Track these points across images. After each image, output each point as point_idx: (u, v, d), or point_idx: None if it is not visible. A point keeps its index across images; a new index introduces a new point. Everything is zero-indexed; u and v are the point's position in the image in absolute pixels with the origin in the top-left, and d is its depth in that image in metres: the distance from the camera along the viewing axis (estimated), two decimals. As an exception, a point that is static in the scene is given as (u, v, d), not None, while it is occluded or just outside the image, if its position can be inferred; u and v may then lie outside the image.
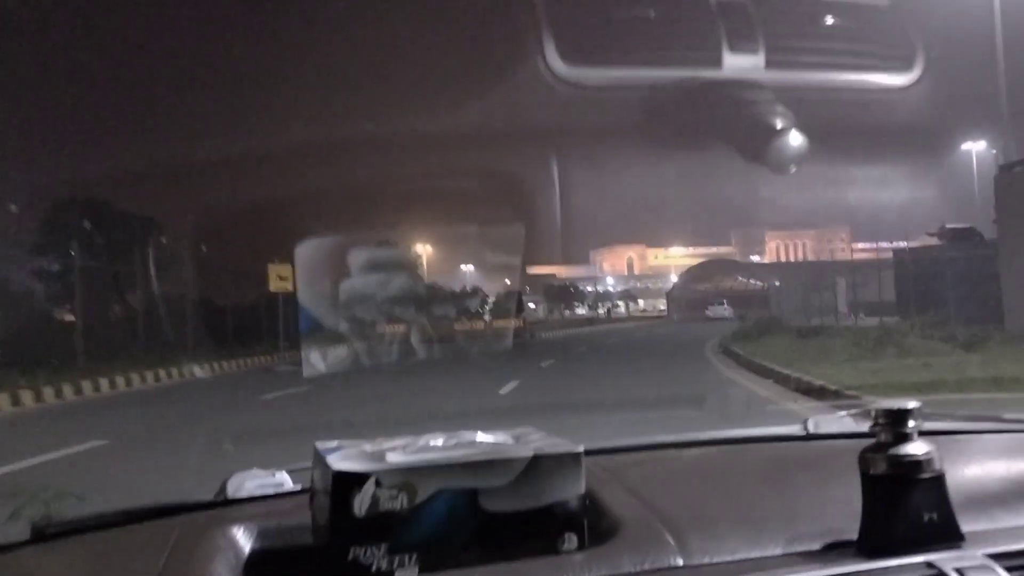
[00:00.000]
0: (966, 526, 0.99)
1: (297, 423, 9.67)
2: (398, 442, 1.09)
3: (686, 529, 1.06)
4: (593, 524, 1.06)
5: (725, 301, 66.33)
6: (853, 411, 1.66)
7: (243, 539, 1.09)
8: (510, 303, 79.88)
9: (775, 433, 1.73)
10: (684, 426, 2.49)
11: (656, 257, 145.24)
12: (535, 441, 1.09)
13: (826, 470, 1.31)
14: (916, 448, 0.98)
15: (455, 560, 0.98)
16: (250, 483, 1.38)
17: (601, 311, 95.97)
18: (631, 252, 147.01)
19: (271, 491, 1.35)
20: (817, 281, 47.78)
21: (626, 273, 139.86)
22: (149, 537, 1.14)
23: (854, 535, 1.01)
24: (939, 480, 0.99)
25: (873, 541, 0.99)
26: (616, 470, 1.29)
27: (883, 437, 0.99)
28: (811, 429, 1.64)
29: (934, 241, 27.08)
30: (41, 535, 1.20)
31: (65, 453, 8.42)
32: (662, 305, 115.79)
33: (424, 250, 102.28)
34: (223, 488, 1.37)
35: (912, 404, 0.99)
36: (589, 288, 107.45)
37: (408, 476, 0.98)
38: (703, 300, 73.31)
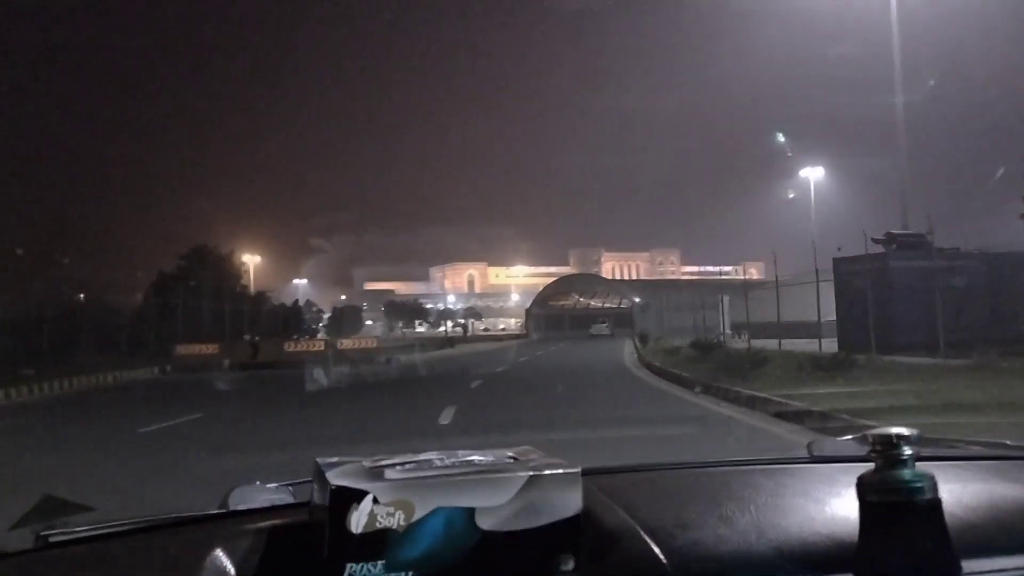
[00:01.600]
0: (963, 556, 0.97)
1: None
2: (397, 459, 1.07)
3: (681, 551, 1.03)
4: (589, 544, 1.03)
5: (606, 320, 60.71)
6: (856, 436, 1.57)
7: (244, 553, 1.06)
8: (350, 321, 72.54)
9: (777, 456, 1.69)
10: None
11: (497, 275, 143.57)
12: (533, 460, 1.06)
13: (826, 495, 1.24)
14: (912, 475, 0.95)
15: None
16: (252, 496, 1.34)
17: (455, 329, 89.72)
18: (472, 269, 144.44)
19: (272, 505, 1.29)
20: (690, 300, 44.26)
21: (467, 291, 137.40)
22: (152, 549, 1.14)
23: (846, 561, 0.98)
24: (936, 508, 0.96)
25: (869, 569, 0.97)
26: (613, 491, 1.24)
27: (880, 463, 0.96)
28: (813, 452, 1.63)
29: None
30: (45, 544, 1.16)
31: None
32: (506, 323, 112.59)
33: (251, 261, 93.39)
34: (225, 501, 1.32)
35: (909, 430, 0.96)
36: (430, 305, 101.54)
37: (406, 493, 0.96)
38: (565, 317, 67.97)
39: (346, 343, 29.19)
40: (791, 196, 47.57)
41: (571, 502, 1.00)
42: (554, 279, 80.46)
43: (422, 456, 1.08)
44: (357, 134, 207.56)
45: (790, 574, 1.00)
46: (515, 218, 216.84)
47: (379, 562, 0.94)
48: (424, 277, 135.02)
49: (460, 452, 1.10)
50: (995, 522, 1.13)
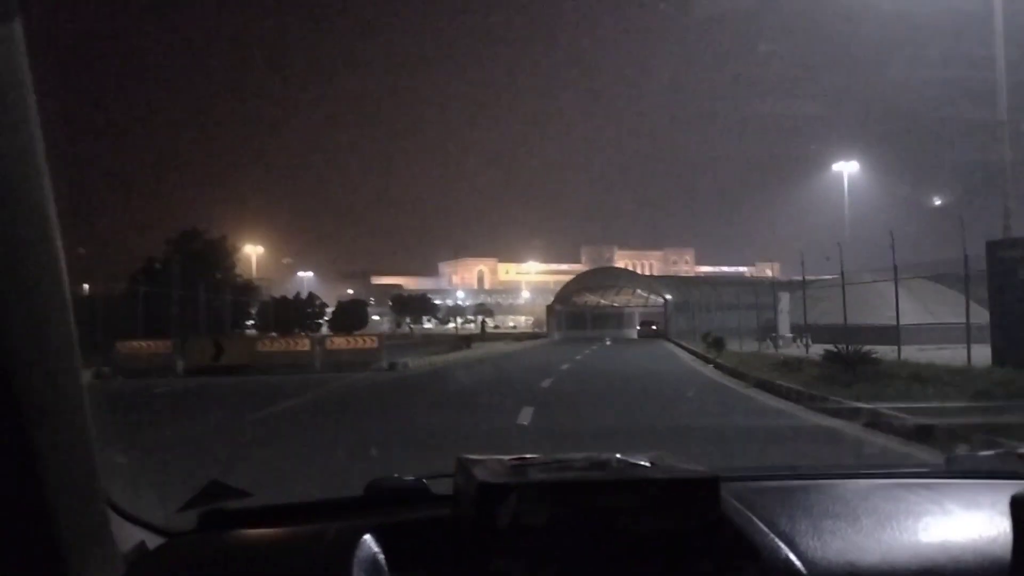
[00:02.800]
0: None
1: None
2: (539, 459, 1.07)
3: (821, 563, 0.99)
4: (726, 550, 1.01)
5: (655, 324, 53.21)
6: (997, 451, 1.54)
7: (391, 541, 1.08)
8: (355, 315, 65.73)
9: (914, 469, 1.61)
10: None
11: (508, 272, 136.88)
12: (671, 465, 1.06)
13: (971, 512, 1.17)
14: None
15: (592, 575, 0.96)
16: (391, 488, 1.33)
17: (466, 326, 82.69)
18: (482, 265, 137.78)
19: (412, 497, 1.30)
20: (734, 298, 37.58)
21: (476, 287, 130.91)
22: (307, 534, 1.15)
23: None
24: None
25: None
26: (745, 497, 1.19)
27: None
28: (951, 467, 1.55)
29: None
30: (207, 525, 1.21)
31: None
32: (516, 320, 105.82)
33: (254, 251, 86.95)
34: (368, 490, 1.33)
35: None
36: (439, 301, 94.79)
37: (550, 492, 0.96)
38: (587, 315, 60.71)
39: (337, 341, 22.39)
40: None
41: (708, 507, 0.99)
42: (578, 273, 72.25)
43: (564, 457, 1.07)
44: (371, 130, 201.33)
45: None
46: (527, 214, 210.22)
47: (523, 557, 0.93)
48: (433, 272, 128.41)
49: (602, 454, 1.08)
50: None
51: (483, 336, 47.30)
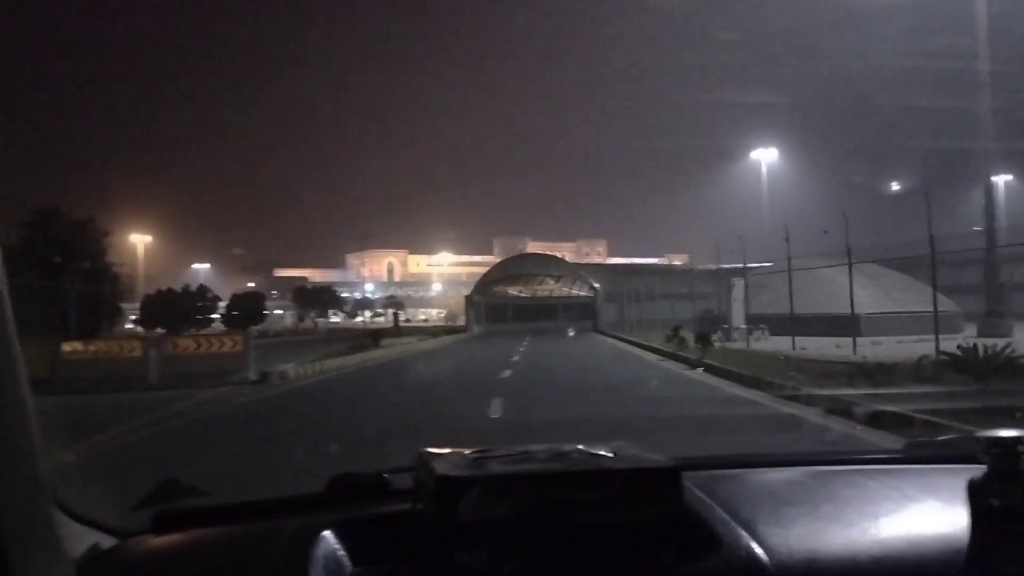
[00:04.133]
0: None
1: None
2: (501, 451, 1.04)
3: (783, 550, 0.97)
4: (689, 539, 0.99)
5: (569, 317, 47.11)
6: (955, 436, 1.54)
7: (351, 537, 1.05)
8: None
9: (872, 455, 1.58)
10: None
11: (419, 264, 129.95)
12: (633, 455, 1.03)
13: (929, 497, 1.18)
14: None
15: (553, 569, 0.93)
16: (352, 483, 1.29)
17: (375, 320, 75.31)
18: (392, 257, 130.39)
19: (372, 493, 1.26)
20: (676, 288, 32.65)
21: (386, 279, 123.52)
22: (263, 533, 1.12)
23: (956, 566, 0.93)
24: None
25: (981, 574, 0.92)
26: (707, 486, 1.18)
27: (1000, 466, 0.92)
28: (910, 452, 1.56)
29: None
30: (162, 525, 1.16)
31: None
32: (427, 313, 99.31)
33: (141, 241, 77.77)
34: (329, 486, 1.28)
35: (1021, 432, 0.92)
36: (346, 293, 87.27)
37: (511, 484, 0.93)
38: (509, 307, 54.41)
39: (184, 344, 15.69)
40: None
41: (670, 497, 0.97)
42: (491, 264, 65.52)
43: (524, 448, 1.04)
44: (278, 118, 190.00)
45: (898, 575, 0.94)
46: (438, 206, 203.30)
47: (484, 549, 0.90)
48: (341, 264, 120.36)
49: (563, 445, 1.06)
50: None
51: (397, 331, 40.81)
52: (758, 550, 0.96)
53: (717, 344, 22.24)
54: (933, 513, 1.10)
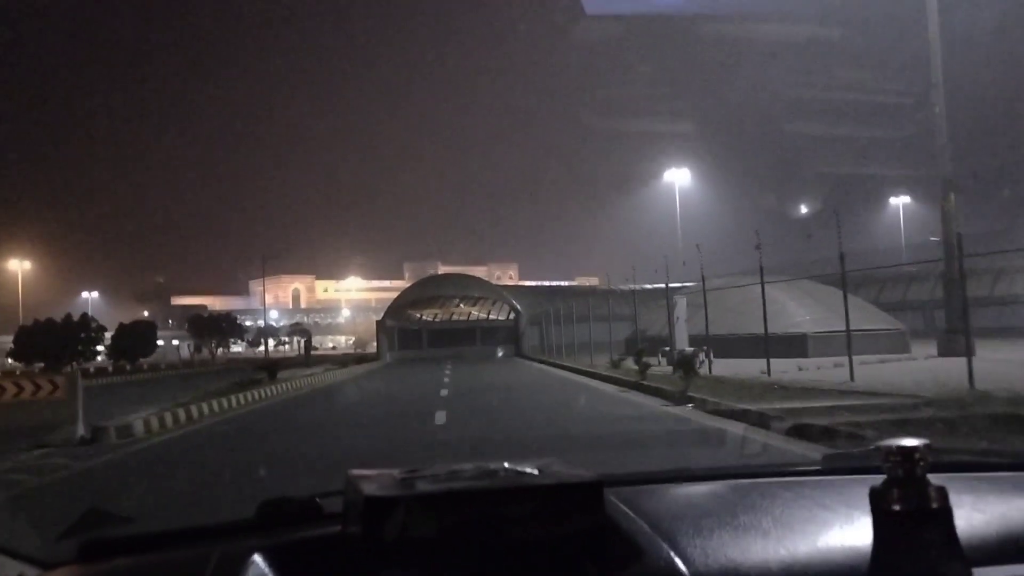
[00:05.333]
0: (974, 564, 0.95)
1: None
2: (427, 471, 1.04)
3: (701, 562, 0.99)
4: (612, 554, 1.00)
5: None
6: (868, 448, 1.49)
7: (280, 563, 1.04)
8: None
9: (790, 468, 1.62)
10: None
11: (327, 289, 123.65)
12: (556, 472, 1.03)
13: (841, 505, 1.21)
14: (926, 484, 0.93)
15: None
16: (282, 507, 1.26)
17: (279, 348, 69.48)
18: (298, 283, 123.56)
19: (304, 516, 1.24)
20: (609, 310, 29.39)
21: (291, 306, 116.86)
22: (190, 560, 1.09)
23: (861, 570, 0.95)
24: (947, 517, 0.93)
25: None
26: (632, 501, 1.18)
27: (897, 473, 0.94)
28: (825, 465, 1.59)
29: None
30: (88, 555, 1.13)
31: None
32: (336, 341, 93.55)
33: (20, 267, 69.97)
34: (259, 511, 1.24)
35: (919, 441, 0.95)
36: (249, 322, 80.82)
37: (437, 503, 0.93)
38: (423, 332, 49.70)
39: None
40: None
41: (593, 511, 0.97)
42: (402, 289, 60.07)
43: (452, 467, 1.04)
44: (174, 140, 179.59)
45: None
46: (346, 231, 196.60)
47: (412, 569, 0.90)
48: (244, 291, 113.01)
49: (490, 464, 1.05)
50: (1006, 531, 1.09)
51: (307, 360, 35.99)
52: (677, 561, 0.98)
53: (655, 370, 19.26)
54: (842, 521, 1.12)
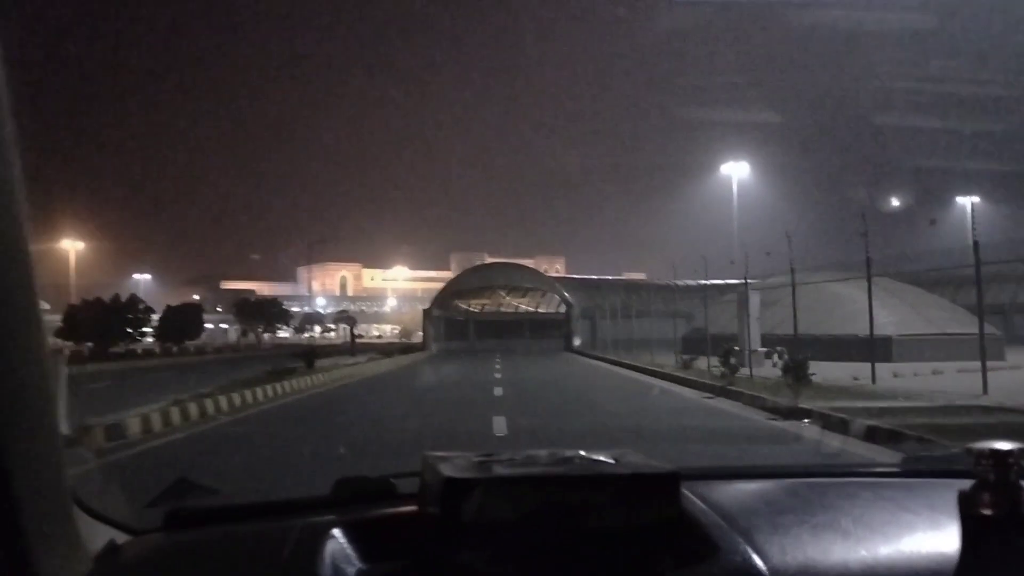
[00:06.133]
0: None
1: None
2: (504, 455, 1.03)
3: (779, 559, 0.97)
4: (687, 546, 0.99)
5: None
6: (951, 451, 1.57)
7: (357, 540, 1.05)
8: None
9: (868, 469, 1.62)
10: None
11: (373, 278, 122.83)
12: (633, 462, 1.03)
13: (923, 508, 1.17)
14: (1019, 489, 0.90)
15: (553, 572, 0.93)
16: (359, 486, 1.27)
17: (326, 335, 68.26)
18: (345, 271, 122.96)
19: (378, 495, 1.25)
20: (666, 305, 27.06)
21: (339, 293, 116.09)
22: (271, 533, 1.11)
23: (947, 574, 0.92)
24: None
25: None
26: (709, 495, 1.16)
27: (988, 477, 0.91)
28: (905, 467, 1.55)
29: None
30: (173, 523, 1.16)
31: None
32: (381, 329, 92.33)
33: (73, 248, 69.92)
34: (336, 489, 1.26)
35: (1013, 444, 0.92)
36: (296, 308, 79.81)
37: (514, 487, 0.93)
38: (470, 323, 47.64)
39: None
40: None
41: (669, 503, 0.97)
42: (464, 270, 57.09)
43: (528, 453, 1.04)
44: (230, 129, 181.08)
45: None
46: (394, 220, 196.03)
47: (487, 550, 0.91)
48: (292, 278, 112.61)
49: (565, 451, 1.05)
50: None
51: (353, 348, 34.20)
52: (754, 556, 0.96)
53: (703, 368, 16.92)
54: (926, 524, 1.09)
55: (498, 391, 14.16)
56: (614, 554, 0.93)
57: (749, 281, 26.67)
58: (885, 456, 6.43)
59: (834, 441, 7.36)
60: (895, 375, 15.26)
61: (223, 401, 11.32)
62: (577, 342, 39.07)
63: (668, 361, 21.76)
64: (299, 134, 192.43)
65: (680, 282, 39.57)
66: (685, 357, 19.42)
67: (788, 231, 20.26)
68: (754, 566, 0.94)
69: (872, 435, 7.54)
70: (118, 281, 73.17)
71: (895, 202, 41.33)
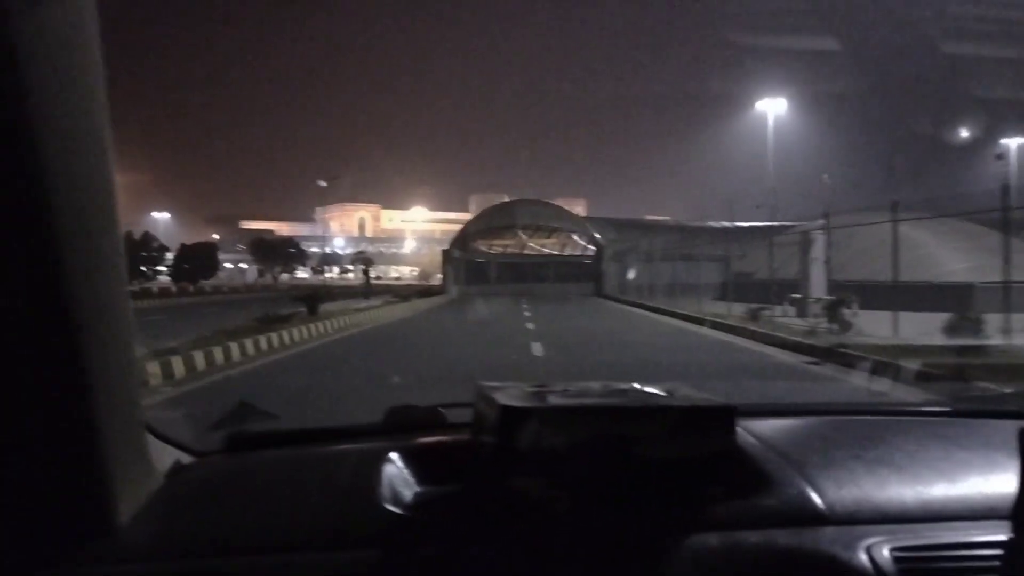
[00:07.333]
0: None
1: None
2: (557, 386, 1.02)
3: (833, 492, 0.97)
4: (740, 479, 0.98)
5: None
6: (1002, 392, 1.87)
7: (412, 467, 1.06)
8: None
9: (921, 408, 1.56)
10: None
11: (391, 219, 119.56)
12: (686, 395, 1.01)
13: (978, 445, 1.16)
14: None
15: (607, 500, 0.93)
16: (409, 415, 1.29)
17: (343, 276, 65.80)
18: (364, 211, 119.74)
19: (429, 424, 1.27)
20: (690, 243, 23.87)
21: (357, 234, 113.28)
22: (331, 455, 1.14)
23: (1002, 511, 0.93)
24: None
25: None
26: (763, 431, 1.16)
27: None
28: (958, 406, 1.52)
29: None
30: (235, 445, 1.20)
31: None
32: (399, 271, 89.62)
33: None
34: (388, 417, 1.28)
35: None
36: (315, 248, 77.09)
37: (569, 417, 0.92)
38: (491, 265, 44.36)
39: None
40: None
41: (724, 436, 0.96)
42: (487, 208, 51.60)
43: (582, 385, 1.03)
44: (249, 66, 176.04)
45: (945, 519, 0.94)
46: (413, 159, 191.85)
47: (541, 478, 0.91)
48: (310, 218, 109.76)
49: (619, 383, 1.04)
50: None
51: (367, 290, 31.38)
52: (809, 490, 0.96)
53: (778, 319, 13.87)
54: (981, 462, 1.07)
55: (537, 349, 11.15)
56: (666, 484, 0.92)
57: (808, 223, 23.51)
58: None
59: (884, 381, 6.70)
60: (1004, 331, 11.98)
61: (180, 365, 8.36)
62: (607, 287, 35.95)
63: (714, 309, 18.86)
64: (321, 74, 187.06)
65: (717, 223, 36.31)
66: (753, 306, 16.32)
67: (834, 170, 16.93)
68: (809, 499, 0.94)
69: None
70: (136, 219, 70.96)
71: (962, 133, 37.17)
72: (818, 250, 19.69)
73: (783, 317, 17.22)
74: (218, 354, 9.50)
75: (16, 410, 0.81)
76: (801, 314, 18.24)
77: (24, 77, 0.72)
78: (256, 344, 10.87)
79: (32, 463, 0.84)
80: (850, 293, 17.81)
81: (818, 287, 19.26)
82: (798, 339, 11.39)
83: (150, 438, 1.03)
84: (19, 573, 0.83)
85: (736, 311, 17.29)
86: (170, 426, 1.14)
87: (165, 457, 1.08)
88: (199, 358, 8.87)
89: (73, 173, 0.78)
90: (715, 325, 15.40)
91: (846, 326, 12.05)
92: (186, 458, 1.13)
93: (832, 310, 12.85)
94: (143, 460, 0.99)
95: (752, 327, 13.63)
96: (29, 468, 0.84)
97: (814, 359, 10.02)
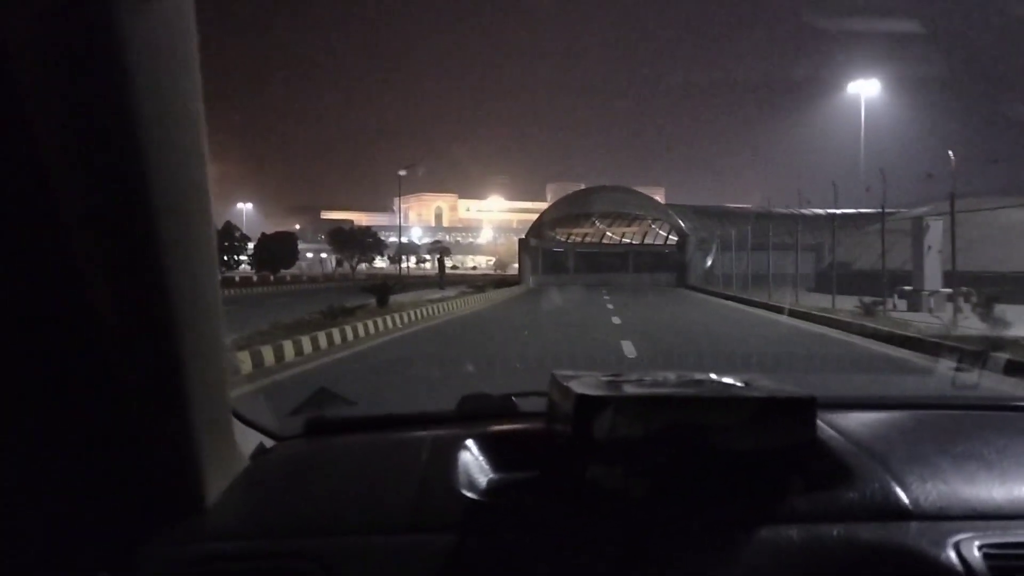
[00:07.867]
0: None
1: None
2: (633, 376, 1.00)
3: (919, 488, 0.94)
4: (820, 472, 0.96)
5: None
6: None
7: (487, 454, 1.06)
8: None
9: (1009, 402, 1.48)
10: None
11: (468, 209, 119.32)
12: (765, 386, 0.98)
13: None
14: None
15: (683, 490, 0.91)
16: (483, 403, 1.30)
17: (420, 265, 65.62)
18: (441, 201, 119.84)
19: (502, 412, 1.26)
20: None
21: (434, 224, 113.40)
22: (407, 441, 1.15)
23: None
24: None
25: None
26: (844, 424, 1.13)
27: None
28: None
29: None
30: (313, 430, 1.22)
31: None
32: (476, 261, 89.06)
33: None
34: (461, 404, 1.29)
35: None
36: (392, 238, 77.16)
37: (646, 406, 0.91)
38: (568, 255, 42.59)
39: None
40: None
41: (804, 428, 0.93)
42: (565, 196, 48.31)
43: (658, 374, 1.01)
44: (329, 60, 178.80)
45: None
46: (490, 150, 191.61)
47: (618, 467, 0.90)
48: (389, 208, 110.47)
49: (696, 373, 1.01)
50: None
51: (441, 279, 30.47)
52: (893, 484, 0.93)
53: (894, 314, 11.87)
54: None
55: (628, 349, 9.62)
56: (744, 476, 0.90)
57: (915, 211, 21.14)
58: None
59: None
60: None
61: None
62: (691, 277, 33.96)
63: (813, 302, 17.18)
64: (402, 65, 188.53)
65: (809, 211, 33.76)
66: (865, 299, 14.37)
67: (926, 157, 14.75)
68: (893, 493, 0.92)
69: None
70: (222, 209, 72.54)
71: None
72: (934, 238, 17.49)
73: (896, 312, 15.28)
74: (268, 354, 8.35)
75: (116, 394, 0.84)
76: (913, 308, 16.22)
77: (130, 84, 0.74)
78: (314, 341, 9.71)
79: (130, 443, 0.87)
80: (979, 286, 15.56)
81: (933, 279, 17.13)
82: (936, 339, 9.37)
83: (235, 422, 1.06)
84: (119, 546, 0.87)
85: (841, 304, 15.36)
86: (254, 411, 1.16)
87: (249, 441, 1.11)
88: (245, 358, 7.73)
89: (173, 176, 0.80)
90: (825, 321, 13.48)
91: (1001, 324, 10.08)
92: (268, 442, 1.16)
93: (986, 305, 10.86)
94: (230, 443, 1.03)
95: (874, 325, 11.71)
96: (127, 448, 0.87)
97: (970, 369, 8.10)
